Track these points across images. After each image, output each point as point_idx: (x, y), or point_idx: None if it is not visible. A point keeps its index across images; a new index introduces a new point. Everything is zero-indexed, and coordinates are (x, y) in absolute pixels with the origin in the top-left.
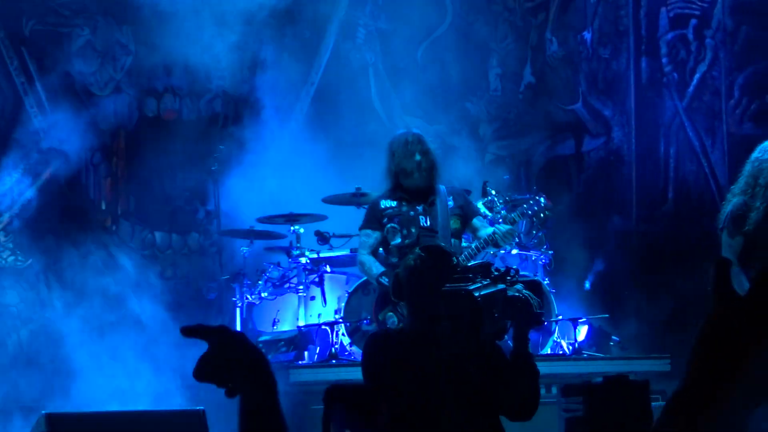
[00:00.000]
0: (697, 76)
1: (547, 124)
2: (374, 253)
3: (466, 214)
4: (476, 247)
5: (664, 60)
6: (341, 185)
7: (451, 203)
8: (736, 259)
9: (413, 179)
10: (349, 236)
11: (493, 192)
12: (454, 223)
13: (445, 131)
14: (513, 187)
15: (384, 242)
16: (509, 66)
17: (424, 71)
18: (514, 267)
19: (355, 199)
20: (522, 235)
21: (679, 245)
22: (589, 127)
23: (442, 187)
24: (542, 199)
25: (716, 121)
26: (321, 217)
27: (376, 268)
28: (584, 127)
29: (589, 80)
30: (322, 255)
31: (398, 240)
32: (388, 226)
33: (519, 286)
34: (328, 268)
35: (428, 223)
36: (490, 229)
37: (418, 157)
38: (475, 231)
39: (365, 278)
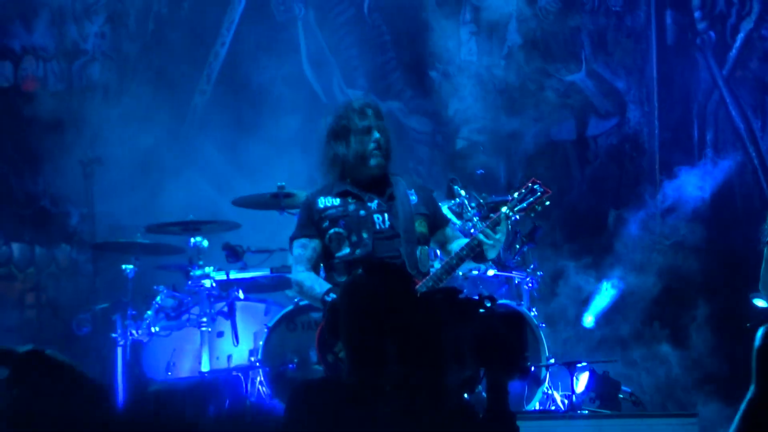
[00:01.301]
0: (740, 35)
1: (538, 99)
2: (314, 269)
3: (434, 216)
4: (456, 257)
5: (696, 14)
6: (260, 183)
7: (414, 198)
8: None
9: (369, 166)
10: (269, 251)
11: (463, 192)
12: (420, 226)
13: (401, 109)
14: (490, 184)
15: (326, 254)
16: (487, 22)
17: (372, 28)
18: (488, 294)
19: (276, 201)
20: (501, 250)
21: (719, 262)
22: (596, 104)
23: (399, 177)
24: (537, 187)
25: (767, 96)
26: (231, 226)
27: (320, 285)
28: (589, 104)
29: (596, 41)
30: (232, 276)
31: (346, 250)
32: (331, 231)
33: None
34: (240, 294)
35: (387, 223)
36: (464, 240)
37: (376, 135)
38: (443, 244)
39: (291, 308)
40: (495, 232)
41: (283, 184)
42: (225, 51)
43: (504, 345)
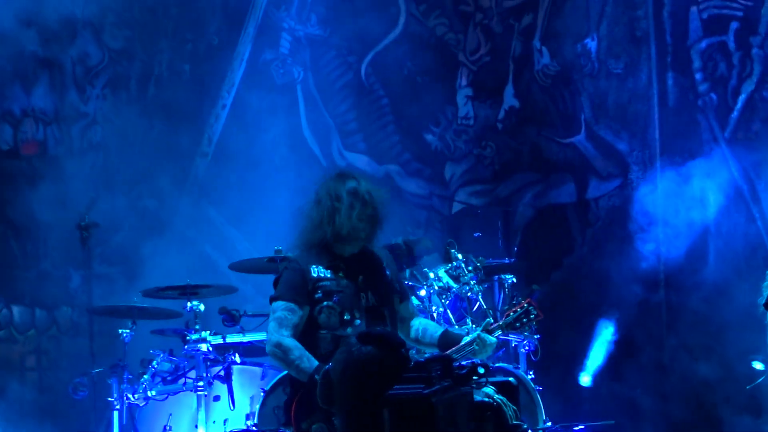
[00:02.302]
0: (742, 97)
1: (536, 162)
2: (296, 336)
3: (401, 292)
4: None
5: (697, 76)
6: (257, 247)
7: (388, 272)
8: None
9: (355, 245)
10: (266, 315)
11: (460, 256)
12: (395, 303)
13: (399, 172)
14: (487, 249)
15: (311, 324)
16: (484, 85)
17: (370, 92)
18: (483, 363)
19: (272, 265)
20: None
21: (723, 325)
22: (597, 166)
23: (377, 250)
24: (532, 309)
25: None
26: (228, 290)
27: (308, 360)
28: (589, 166)
29: (596, 103)
30: (229, 340)
31: (336, 325)
32: (324, 304)
33: (489, 390)
34: (237, 359)
35: (372, 301)
36: (434, 326)
37: (369, 212)
38: (403, 319)
39: (287, 372)
40: (489, 341)
41: (281, 248)
42: (226, 113)
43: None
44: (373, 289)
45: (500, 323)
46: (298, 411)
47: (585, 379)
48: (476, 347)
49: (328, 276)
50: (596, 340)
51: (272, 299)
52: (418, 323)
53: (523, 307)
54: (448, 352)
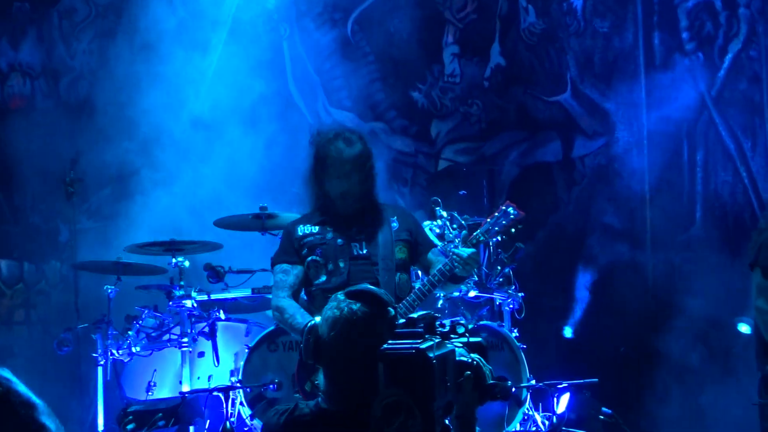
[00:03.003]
0: (729, 56)
1: (522, 120)
2: (295, 295)
3: (416, 241)
4: (428, 283)
5: (684, 35)
6: (243, 204)
7: (395, 225)
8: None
9: (347, 204)
10: (251, 271)
11: (445, 214)
12: (400, 252)
13: (385, 130)
14: (472, 207)
15: (306, 281)
16: (471, 43)
17: (356, 49)
18: (461, 321)
19: (258, 222)
20: (483, 272)
21: (709, 283)
22: (583, 125)
23: (381, 203)
24: (511, 209)
25: (757, 117)
26: (213, 246)
27: (301, 315)
28: (575, 125)
29: (581, 62)
30: (214, 297)
31: (322, 278)
32: (309, 259)
33: (461, 350)
34: (222, 315)
35: (364, 250)
36: (443, 260)
37: (356, 177)
38: (427, 268)
39: (272, 329)
40: (465, 254)
41: (266, 205)
42: (212, 70)
43: (478, 373)
44: (367, 240)
45: (479, 231)
46: (302, 369)
47: (567, 332)
48: (456, 265)
49: (314, 232)
50: (578, 295)
51: (271, 263)
52: (436, 267)
53: (501, 210)
54: (430, 276)
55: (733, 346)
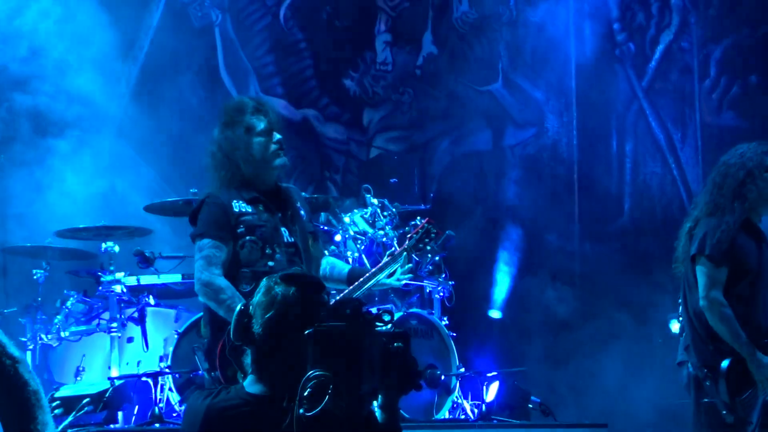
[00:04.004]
0: (660, 47)
1: (454, 109)
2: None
3: (314, 232)
4: (366, 280)
5: (615, 25)
6: (175, 189)
7: (303, 214)
8: (721, 292)
9: (273, 167)
10: (181, 257)
11: (376, 201)
12: (313, 247)
13: (317, 117)
14: (403, 194)
15: (231, 260)
16: (403, 32)
17: (288, 36)
18: (390, 309)
19: (188, 207)
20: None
21: (637, 273)
22: (514, 115)
23: (289, 187)
24: (431, 227)
25: (687, 108)
26: (144, 231)
27: (240, 299)
28: (506, 115)
29: (513, 52)
30: (143, 282)
31: (257, 260)
32: (246, 239)
33: (387, 339)
34: (151, 300)
35: (291, 239)
36: (347, 267)
37: (277, 136)
38: (314, 259)
39: (201, 315)
40: (391, 275)
41: (196, 190)
42: (143, 55)
43: (406, 360)
44: (290, 225)
45: (404, 247)
46: (222, 358)
47: (494, 314)
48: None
49: (250, 210)
50: (507, 283)
51: (196, 236)
52: (326, 262)
53: (424, 227)
54: (357, 283)
55: (656, 337)
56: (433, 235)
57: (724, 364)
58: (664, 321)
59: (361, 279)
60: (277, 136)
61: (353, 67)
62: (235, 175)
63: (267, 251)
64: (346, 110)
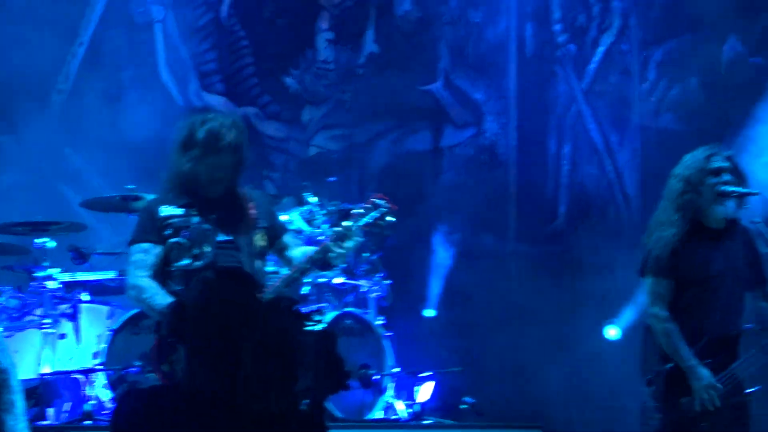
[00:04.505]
0: (600, 49)
1: (394, 109)
2: (154, 276)
3: (272, 226)
4: (297, 270)
5: (556, 27)
6: (111, 185)
7: (254, 212)
8: (664, 306)
9: (215, 188)
10: (116, 254)
11: (314, 200)
12: (261, 240)
13: (257, 115)
14: (342, 193)
15: (164, 262)
16: (345, 30)
17: (230, 33)
18: (324, 307)
19: (125, 204)
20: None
21: (573, 275)
22: (453, 115)
23: (241, 190)
24: (383, 202)
25: (625, 111)
26: (78, 227)
27: (162, 297)
28: (446, 115)
29: (455, 52)
30: (78, 278)
31: (186, 261)
32: (173, 241)
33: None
34: (85, 296)
35: (229, 236)
36: (310, 248)
37: (230, 162)
38: (282, 251)
39: (136, 311)
40: (340, 246)
41: (133, 186)
42: (83, 51)
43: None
44: (231, 226)
45: (352, 222)
46: (160, 349)
47: (429, 314)
48: (330, 253)
49: (178, 214)
50: (444, 284)
51: (128, 245)
52: (296, 252)
53: (373, 202)
54: (300, 263)
55: (591, 339)
56: (384, 210)
57: (667, 366)
58: (599, 324)
59: (303, 259)
60: (227, 160)
61: (294, 65)
62: (180, 183)
63: (194, 251)
64: (287, 108)
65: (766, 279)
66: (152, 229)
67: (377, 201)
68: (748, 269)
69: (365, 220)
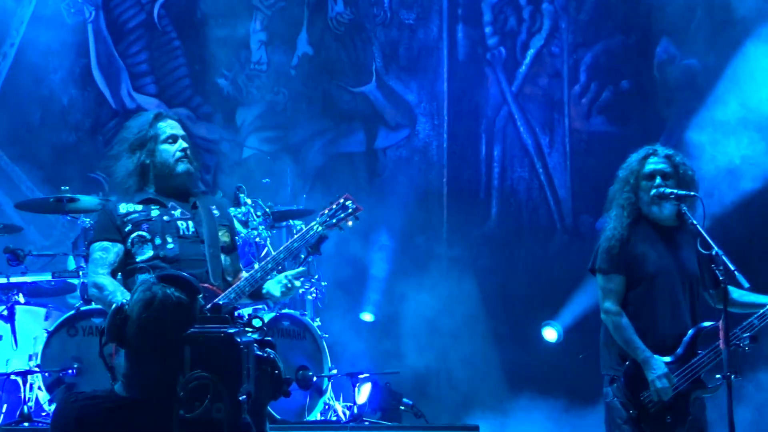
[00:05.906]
0: (531, 52)
1: (328, 110)
2: (114, 273)
3: (231, 231)
4: (260, 270)
5: (487, 29)
6: (43, 188)
7: (216, 213)
8: (615, 301)
9: (177, 173)
10: (51, 255)
11: (249, 201)
12: (224, 236)
13: (189, 116)
14: (276, 194)
15: (128, 258)
16: (278, 31)
17: (162, 34)
18: (261, 311)
19: (60, 205)
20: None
21: (504, 276)
22: (386, 117)
23: (201, 193)
24: (349, 203)
25: (556, 113)
26: (13, 229)
27: (122, 293)
28: (379, 117)
29: (387, 54)
30: (13, 280)
31: (148, 253)
32: (134, 235)
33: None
34: (21, 298)
35: (191, 230)
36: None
37: (183, 144)
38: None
39: (72, 313)
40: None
41: (67, 188)
42: (14, 52)
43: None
44: (193, 220)
45: (316, 221)
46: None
47: (366, 317)
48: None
49: (138, 209)
50: (379, 286)
51: (88, 246)
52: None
53: (339, 203)
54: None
55: (527, 340)
56: (350, 210)
57: (626, 363)
58: (535, 325)
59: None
60: (183, 144)
61: (227, 66)
62: (135, 180)
63: (157, 241)
64: (219, 110)
65: (719, 279)
66: (111, 227)
67: (345, 202)
68: (700, 269)
69: (332, 221)
